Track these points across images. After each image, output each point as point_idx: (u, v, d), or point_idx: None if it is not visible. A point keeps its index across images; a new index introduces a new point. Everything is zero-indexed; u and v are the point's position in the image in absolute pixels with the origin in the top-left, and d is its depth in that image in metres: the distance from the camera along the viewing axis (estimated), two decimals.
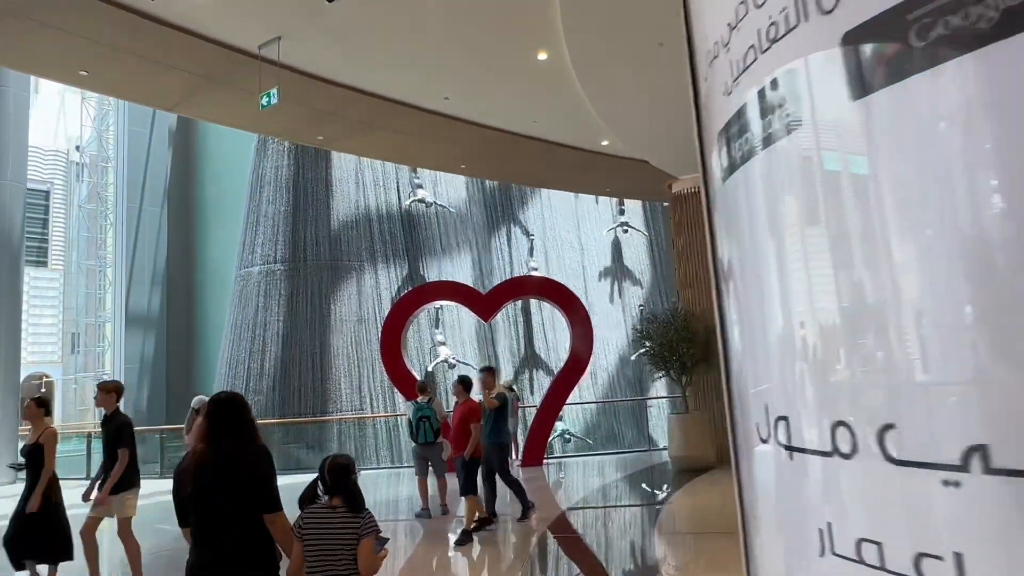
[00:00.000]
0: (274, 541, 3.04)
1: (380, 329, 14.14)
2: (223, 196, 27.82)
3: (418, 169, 22.01)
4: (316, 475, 3.20)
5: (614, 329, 26.17)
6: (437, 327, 21.68)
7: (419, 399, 8.45)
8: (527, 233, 25.94)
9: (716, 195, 1.29)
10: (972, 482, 0.73)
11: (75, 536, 5.50)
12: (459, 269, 22.76)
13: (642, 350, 13.03)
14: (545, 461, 12.70)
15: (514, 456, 12.68)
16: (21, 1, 6.75)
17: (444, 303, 16.46)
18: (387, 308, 18.25)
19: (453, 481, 7.73)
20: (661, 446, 14.81)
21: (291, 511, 3.08)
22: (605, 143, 11.18)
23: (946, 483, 0.75)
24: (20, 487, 5.67)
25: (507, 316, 23.39)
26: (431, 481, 8.35)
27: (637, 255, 28.46)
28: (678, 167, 11.60)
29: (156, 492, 7.95)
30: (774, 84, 0.96)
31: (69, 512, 5.62)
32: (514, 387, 14.65)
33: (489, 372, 7.89)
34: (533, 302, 22.75)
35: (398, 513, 8.65)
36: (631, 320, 26.05)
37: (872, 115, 0.84)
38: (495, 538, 7.23)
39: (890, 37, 0.81)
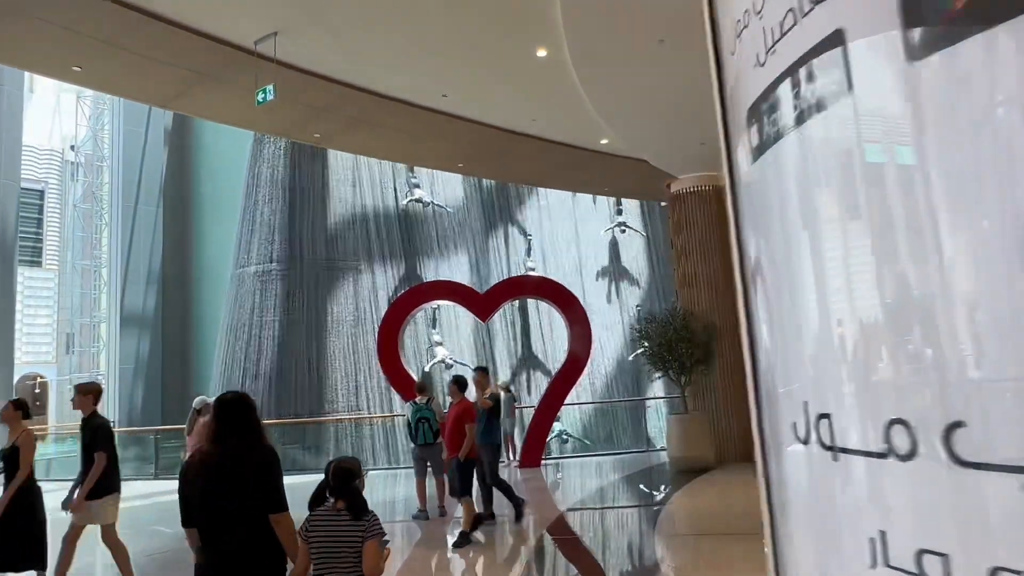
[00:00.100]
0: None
1: (377, 329, 14.05)
2: (219, 196, 27.70)
3: (415, 168, 21.94)
4: (321, 477, 3.20)
5: (612, 329, 26.10)
6: (434, 327, 21.60)
7: (418, 400, 8.36)
8: (525, 233, 25.88)
9: (742, 183, 1.21)
10: None
11: (58, 543, 5.31)
12: (456, 269, 22.69)
13: (640, 350, 12.96)
14: (543, 462, 12.61)
15: (511, 457, 12.61)
16: None
17: (441, 303, 16.38)
18: (384, 308, 18.18)
19: None
20: (659, 447, 14.73)
21: (293, 511, 3.08)
22: (604, 142, 11.12)
23: None
24: None
25: (505, 316, 23.32)
26: (429, 483, 8.27)
27: (634, 255, 28.41)
28: (677, 166, 11.55)
29: (152, 493, 7.84)
30: (816, 50, 0.87)
31: (49, 517, 5.43)
32: (511, 387, 14.55)
33: (482, 372, 7.96)
34: (531, 302, 22.69)
35: (395, 515, 8.55)
36: (628, 320, 25.99)
37: (925, 82, 0.76)
38: (493, 540, 7.15)
39: None
